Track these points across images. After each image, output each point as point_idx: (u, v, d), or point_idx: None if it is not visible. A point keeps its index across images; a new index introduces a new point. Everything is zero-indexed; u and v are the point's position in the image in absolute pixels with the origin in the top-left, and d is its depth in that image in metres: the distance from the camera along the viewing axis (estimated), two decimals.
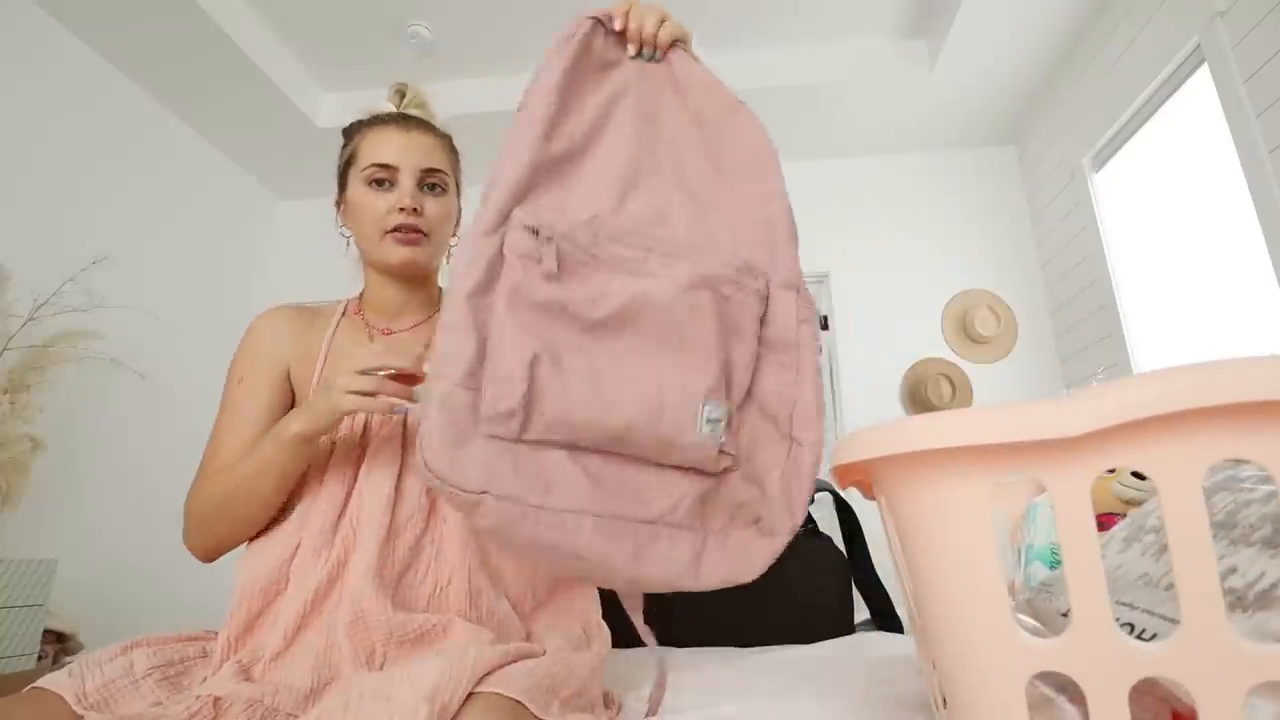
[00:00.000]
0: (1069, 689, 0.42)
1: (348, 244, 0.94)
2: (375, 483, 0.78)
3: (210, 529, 0.79)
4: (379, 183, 0.87)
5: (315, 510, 0.79)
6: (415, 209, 0.86)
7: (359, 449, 0.82)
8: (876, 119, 3.14)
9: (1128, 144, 2.49)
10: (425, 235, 0.87)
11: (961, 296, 3.16)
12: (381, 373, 0.71)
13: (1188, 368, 0.31)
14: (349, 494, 0.79)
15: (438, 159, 0.90)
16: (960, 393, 3.02)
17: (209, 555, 0.82)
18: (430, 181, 0.89)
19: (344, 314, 0.94)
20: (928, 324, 3.16)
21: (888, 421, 0.37)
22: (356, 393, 0.70)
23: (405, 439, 0.83)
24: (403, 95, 0.96)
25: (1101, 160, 2.64)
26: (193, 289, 3.05)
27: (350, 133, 0.93)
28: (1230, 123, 1.96)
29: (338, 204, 0.94)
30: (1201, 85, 2.11)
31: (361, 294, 0.96)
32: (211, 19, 2.45)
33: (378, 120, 0.91)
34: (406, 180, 0.87)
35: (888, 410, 3.08)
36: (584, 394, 0.61)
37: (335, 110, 3.16)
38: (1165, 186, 2.35)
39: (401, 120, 0.90)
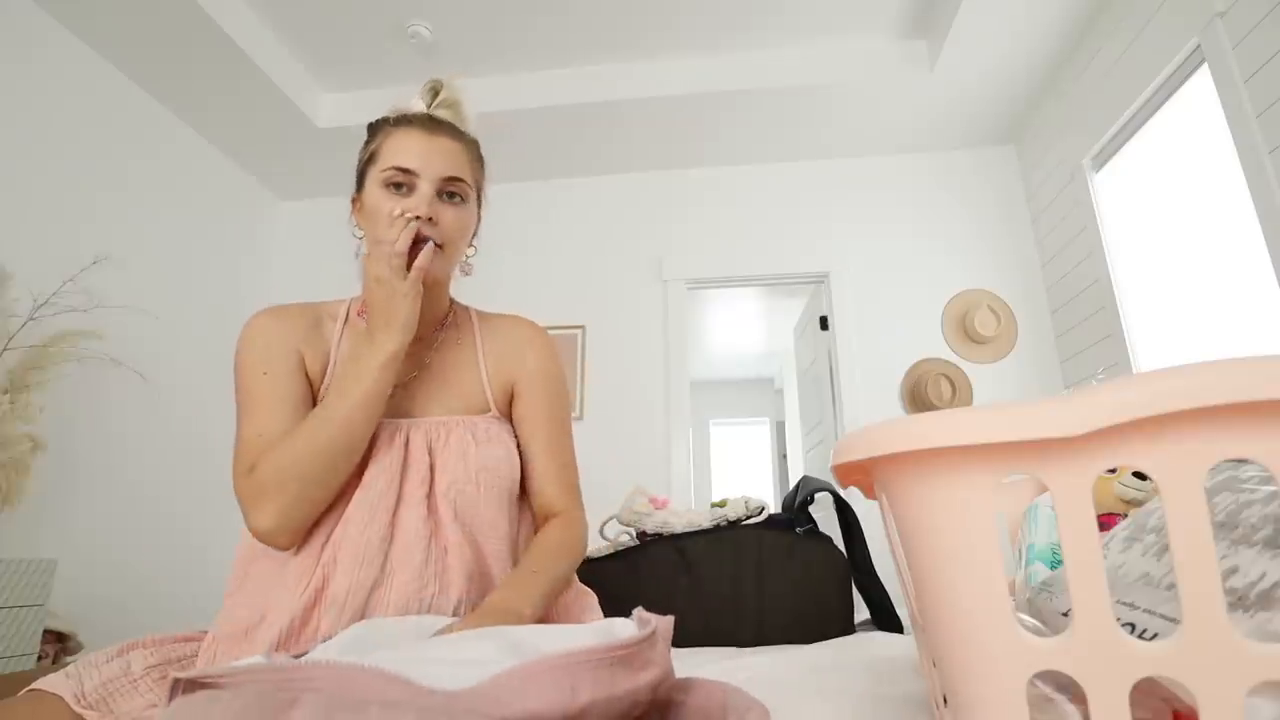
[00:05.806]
0: (1069, 688, 0.42)
1: (360, 246, 0.90)
2: (366, 511, 0.76)
3: (304, 496, 0.73)
4: (396, 186, 0.83)
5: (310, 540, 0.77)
6: (431, 218, 0.82)
7: (355, 477, 0.79)
8: (877, 119, 3.14)
9: (1128, 144, 2.49)
10: (439, 246, 0.84)
11: (961, 296, 3.16)
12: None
13: (1188, 368, 0.31)
14: (336, 522, 0.77)
15: (460, 167, 0.86)
16: (960, 393, 3.02)
17: (295, 535, 0.75)
18: (450, 190, 0.85)
19: (346, 318, 0.90)
20: (928, 324, 3.16)
21: (888, 420, 0.37)
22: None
23: (404, 468, 0.81)
24: (435, 93, 0.91)
25: (1101, 160, 2.64)
26: (193, 289, 3.05)
27: (374, 130, 0.89)
28: (1230, 123, 1.96)
29: (353, 201, 0.90)
30: (1201, 85, 2.11)
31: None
32: (211, 19, 2.46)
33: (403, 121, 0.86)
34: (425, 187, 0.83)
35: (888, 410, 3.07)
36: None
37: (335, 110, 3.16)
38: (1165, 186, 2.35)
39: (428, 123, 0.86)
